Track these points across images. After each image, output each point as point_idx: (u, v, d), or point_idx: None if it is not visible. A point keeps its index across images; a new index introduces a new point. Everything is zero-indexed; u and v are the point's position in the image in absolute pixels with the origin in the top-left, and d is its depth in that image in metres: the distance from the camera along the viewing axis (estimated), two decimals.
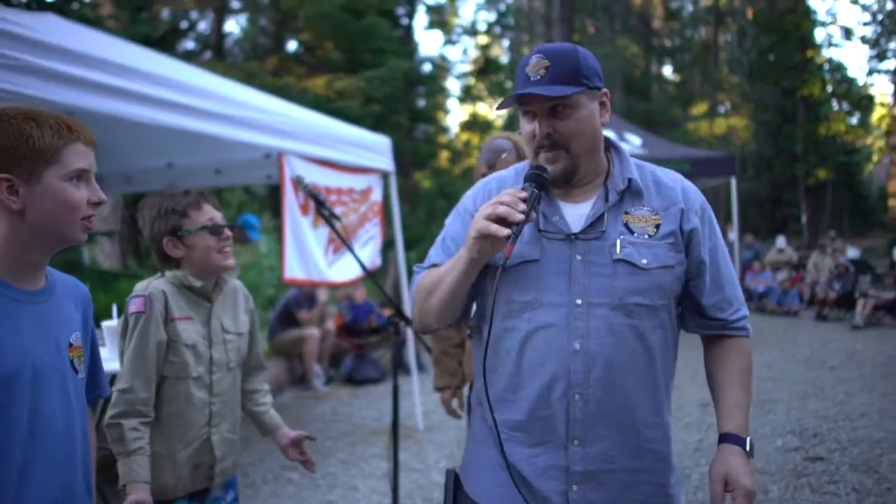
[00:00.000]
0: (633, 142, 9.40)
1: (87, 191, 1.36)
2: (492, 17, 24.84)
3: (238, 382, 2.18)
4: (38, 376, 1.33)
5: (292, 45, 15.99)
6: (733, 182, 9.08)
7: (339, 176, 4.82)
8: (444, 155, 20.26)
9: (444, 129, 22.35)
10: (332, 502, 4.01)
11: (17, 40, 2.64)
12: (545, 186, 1.47)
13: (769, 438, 4.84)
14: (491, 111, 24.96)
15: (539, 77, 1.44)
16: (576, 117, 1.46)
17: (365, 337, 7.82)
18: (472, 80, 21.03)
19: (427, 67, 18.39)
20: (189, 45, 15.25)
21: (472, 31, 23.90)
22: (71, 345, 1.44)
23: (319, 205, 2.76)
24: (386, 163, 5.76)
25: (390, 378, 7.78)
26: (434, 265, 1.62)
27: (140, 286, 2.02)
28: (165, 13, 12.71)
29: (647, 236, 1.49)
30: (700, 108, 22.10)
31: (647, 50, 23.81)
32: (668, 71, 27.47)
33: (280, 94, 8.96)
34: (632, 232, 1.49)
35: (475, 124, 23.10)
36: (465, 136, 23.34)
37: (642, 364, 1.48)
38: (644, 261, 1.46)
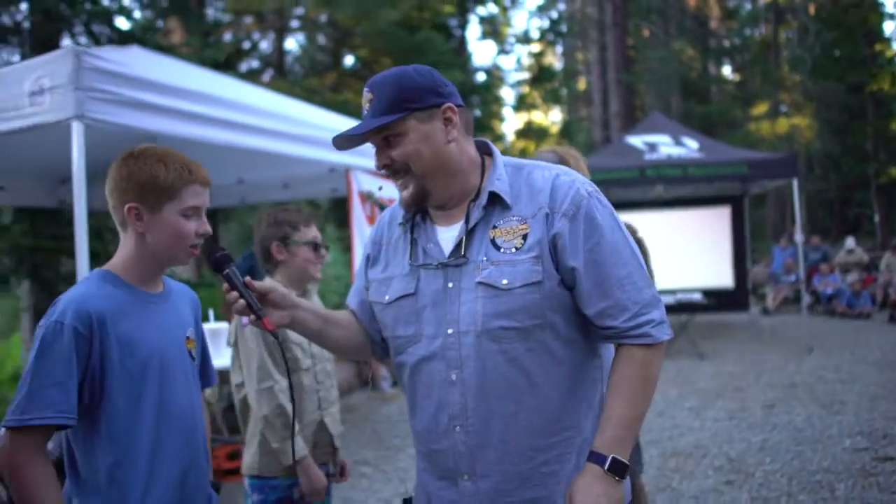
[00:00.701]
0: (690, 146, 9.35)
1: (196, 224, 1.62)
2: (544, 24, 24.94)
3: (333, 372, 2.48)
4: (164, 364, 1.59)
5: (349, 61, 16.51)
6: (795, 183, 8.92)
7: (383, 187, 5.07)
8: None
9: (500, 138, 22.56)
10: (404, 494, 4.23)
11: (110, 75, 3.00)
12: (225, 264, 1.47)
13: (837, 439, 4.79)
14: (546, 119, 25.01)
15: (366, 110, 1.44)
16: (406, 142, 1.42)
17: None
18: (526, 89, 21.14)
19: (481, 77, 18.62)
20: (252, 64, 15.97)
21: (525, 40, 24.04)
22: (188, 338, 1.71)
23: None
24: None
25: None
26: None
27: None
28: (229, 36, 13.36)
29: (513, 250, 1.40)
30: (761, 109, 21.55)
31: (704, 51, 23.40)
32: (727, 71, 26.92)
33: (340, 109, 9.34)
34: (498, 248, 1.41)
35: (530, 132, 23.21)
36: (520, 144, 23.48)
37: (522, 389, 1.39)
38: (504, 281, 1.37)
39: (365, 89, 1.46)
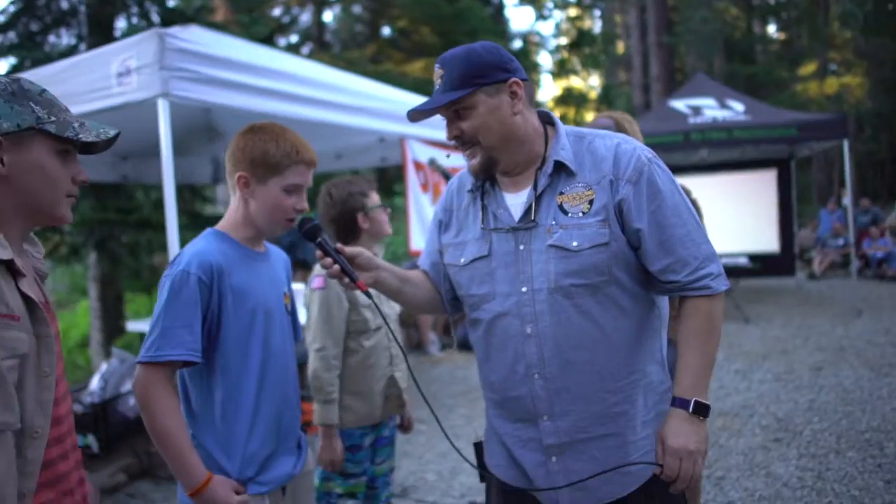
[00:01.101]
0: (735, 108, 9.20)
1: (295, 200, 1.79)
2: None
3: (399, 332, 2.65)
4: (268, 313, 1.80)
5: (388, 32, 16.52)
6: (846, 144, 8.74)
7: (452, 154, 5.20)
8: None
9: (539, 105, 22.32)
10: (460, 449, 4.44)
11: (190, 55, 3.18)
12: (318, 233, 1.61)
13: (886, 400, 4.80)
14: (585, 84, 24.62)
15: (438, 86, 1.54)
16: (475, 115, 1.52)
17: None
18: (564, 54, 20.83)
19: (518, 44, 18.44)
20: (291, 38, 16.11)
21: (562, 4, 23.61)
22: (285, 293, 1.90)
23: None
24: None
25: None
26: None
27: (318, 267, 2.53)
28: (275, 11, 13.49)
29: (580, 214, 1.51)
30: (808, 68, 20.85)
31: (749, 10, 22.66)
32: (772, 30, 26.04)
33: (381, 79, 9.43)
34: (566, 213, 1.52)
35: (570, 98, 22.91)
36: (559, 111, 23.25)
37: (594, 339, 1.51)
38: (574, 243, 1.49)
39: (436, 66, 1.56)
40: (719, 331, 1.56)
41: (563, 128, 1.62)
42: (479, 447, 1.76)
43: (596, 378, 1.53)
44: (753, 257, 9.26)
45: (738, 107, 9.22)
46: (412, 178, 4.57)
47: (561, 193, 1.54)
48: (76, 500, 1.29)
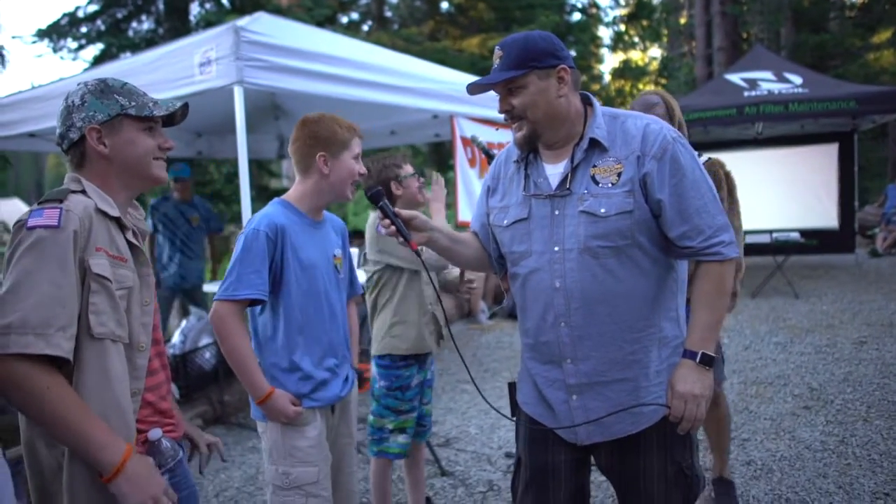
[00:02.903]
0: (793, 81, 9.02)
1: (360, 166, 2.25)
2: None
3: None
4: (318, 271, 2.20)
5: (445, 6, 16.66)
6: None
7: (495, 131, 5.47)
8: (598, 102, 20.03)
9: (597, 78, 22.11)
10: (500, 408, 4.80)
11: (260, 46, 3.56)
12: (380, 198, 1.85)
13: None
14: (644, 56, 24.10)
15: (496, 65, 1.76)
16: (526, 94, 1.74)
17: None
18: (622, 26, 20.47)
19: (577, 17, 18.27)
20: (352, 16, 16.47)
21: None
22: (335, 255, 2.30)
23: (489, 158, 3.41)
24: None
25: None
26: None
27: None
28: None
29: (610, 185, 1.72)
30: (883, 36, 19.77)
31: None
32: None
33: (438, 56, 9.67)
34: (597, 183, 1.73)
35: (627, 70, 22.54)
36: (617, 84, 22.92)
37: (615, 294, 1.73)
38: (602, 210, 1.71)
39: (497, 48, 1.79)
40: (729, 292, 1.76)
41: (599, 109, 1.84)
42: (512, 386, 2.03)
43: (615, 328, 1.74)
44: (809, 233, 9.13)
45: (797, 80, 9.03)
46: (460, 154, 4.87)
47: (594, 166, 1.75)
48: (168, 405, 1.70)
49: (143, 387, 1.55)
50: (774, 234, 8.67)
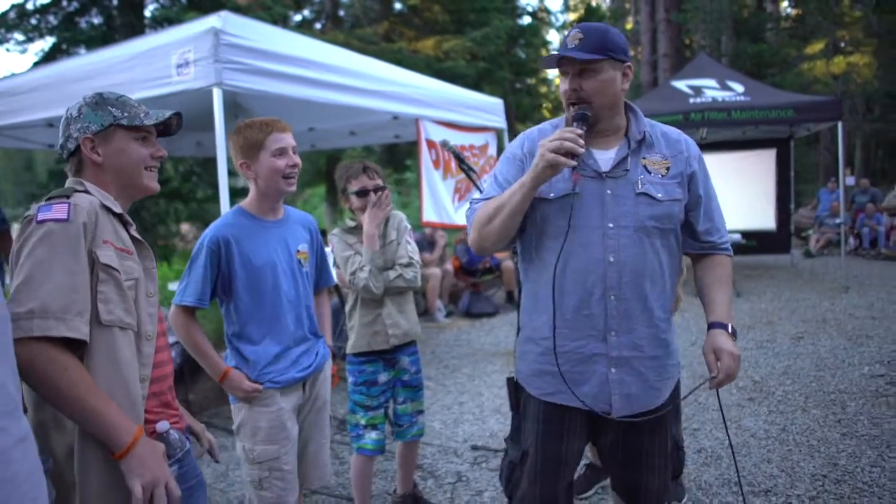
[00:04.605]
0: (735, 89, 9.44)
1: (286, 159, 2.30)
2: None
3: None
4: (275, 269, 2.31)
5: (399, 7, 16.68)
6: (840, 126, 9.02)
7: (462, 135, 5.60)
8: (547, 107, 20.53)
9: (546, 81, 22.54)
10: (462, 402, 4.94)
11: (238, 48, 3.59)
12: (589, 123, 1.84)
13: (856, 367, 5.18)
14: None
15: (574, 45, 1.82)
16: (598, 79, 1.82)
17: (479, 276, 8.70)
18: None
19: (527, 21, 18.57)
20: (305, 14, 16.31)
21: None
22: (298, 251, 2.41)
23: (461, 161, 3.52)
24: (499, 121, 6.48)
25: (503, 312, 8.58)
26: (490, 198, 1.97)
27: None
28: None
29: (660, 176, 1.91)
30: (816, 47, 20.83)
31: None
32: (785, 6, 25.85)
33: (394, 57, 9.71)
34: (649, 172, 1.90)
35: None
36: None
37: (656, 273, 1.89)
38: (659, 194, 1.88)
39: (575, 30, 1.86)
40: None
41: (641, 114, 2.01)
42: (511, 381, 2.13)
43: (654, 305, 1.90)
44: (749, 234, 9.57)
45: (738, 88, 9.46)
46: (425, 155, 4.97)
47: (644, 158, 1.91)
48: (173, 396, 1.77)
49: (150, 374, 1.61)
50: None
